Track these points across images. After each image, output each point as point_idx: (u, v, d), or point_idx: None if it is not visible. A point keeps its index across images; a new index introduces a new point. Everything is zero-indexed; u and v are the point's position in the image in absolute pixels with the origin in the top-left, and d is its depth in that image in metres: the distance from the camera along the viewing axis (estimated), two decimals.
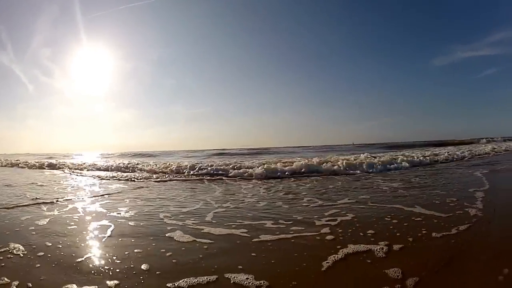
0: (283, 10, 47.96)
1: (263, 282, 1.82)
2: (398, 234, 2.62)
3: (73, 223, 3.39)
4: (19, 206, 4.38)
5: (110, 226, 3.23)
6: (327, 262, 2.07)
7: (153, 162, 12.16)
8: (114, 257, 2.34)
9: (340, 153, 17.86)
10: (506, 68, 45.59)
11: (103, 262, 2.26)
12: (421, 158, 9.56)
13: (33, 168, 14.35)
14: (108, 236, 2.90)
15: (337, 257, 2.16)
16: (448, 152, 11.07)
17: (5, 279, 1.94)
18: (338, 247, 2.35)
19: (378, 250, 2.23)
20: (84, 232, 3.04)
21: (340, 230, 2.83)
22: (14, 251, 2.48)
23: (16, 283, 1.88)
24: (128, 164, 11.65)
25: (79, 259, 2.31)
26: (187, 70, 61.03)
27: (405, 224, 2.93)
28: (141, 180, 7.67)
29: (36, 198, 5.04)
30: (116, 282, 1.93)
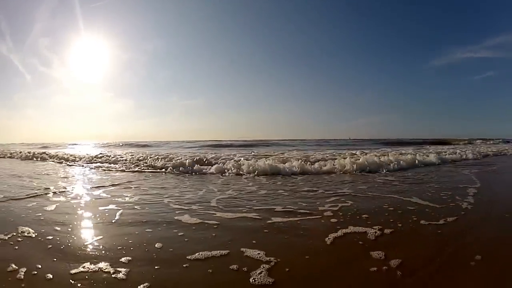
0: (277, 9, 48.02)
1: (273, 258, 2.02)
2: (391, 220, 2.86)
3: (80, 209, 3.52)
4: (29, 196, 4.45)
5: (118, 210, 3.38)
6: (328, 239, 2.37)
7: (154, 154, 12.22)
8: (125, 238, 2.48)
9: (336, 147, 18.15)
10: (504, 72, 46.36)
11: (114, 242, 2.39)
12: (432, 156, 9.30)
13: (27, 160, 14.05)
14: (117, 219, 3.04)
15: (337, 235, 2.46)
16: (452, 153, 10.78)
17: (13, 265, 1.95)
18: (338, 227, 2.64)
19: (371, 233, 2.48)
20: (93, 216, 3.17)
21: (341, 214, 3.12)
22: (25, 234, 2.57)
23: (24, 269, 1.90)
24: (126, 154, 11.72)
25: (90, 241, 2.43)
26: (180, 63, 61.24)
27: (399, 212, 3.16)
28: (141, 171, 7.75)
29: (44, 187, 5.08)
30: (129, 258, 2.06)
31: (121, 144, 30.69)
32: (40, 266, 1.94)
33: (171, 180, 5.98)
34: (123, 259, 2.04)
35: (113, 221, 2.98)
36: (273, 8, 48.45)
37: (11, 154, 16.43)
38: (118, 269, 1.90)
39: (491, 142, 27.17)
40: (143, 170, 7.78)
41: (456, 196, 3.85)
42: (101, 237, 2.52)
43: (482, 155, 11.18)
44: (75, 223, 2.93)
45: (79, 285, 1.73)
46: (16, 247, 2.29)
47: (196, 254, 2.11)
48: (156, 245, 2.29)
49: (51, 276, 1.81)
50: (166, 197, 4.10)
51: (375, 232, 2.47)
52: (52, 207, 3.56)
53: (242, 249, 2.19)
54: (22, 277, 1.81)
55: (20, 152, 16.39)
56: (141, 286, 1.67)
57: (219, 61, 61.60)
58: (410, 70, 52.74)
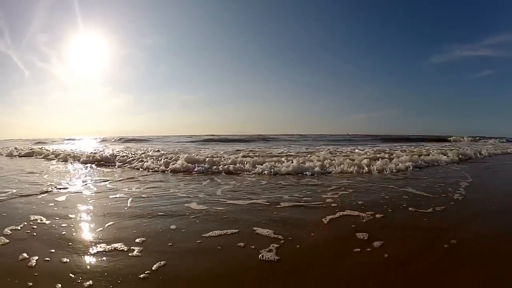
0: (277, 5, 47.91)
1: (280, 236, 2.30)
2: (385, 206, 3.17)
3: (91, 198, 3.73)
4: (41, 192, 4.65)
5: (128, 198, 3.60)
6: (325, 219, 2.74)
7: (155, 151, 12.20)
8: (138, 222, 2.70)
9: (334, 143, 18.39)
10: (503, 71, 46.63)
11: (128, 226, 2.60)
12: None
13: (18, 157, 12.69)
14: (129, 206, 3.27)
15: (334, 216, 2.82)
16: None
17: (25, 254, 2.00)
18: (336, 210, 2.98)
19: (363, 216, 2.82)
20: (105, 205, 3.38)
21: (339, 200, 3.47)
22: (38, 221, 2.73)
23: (35, 258, 1.95)
24: (126, 150, 11.66)
25: (105, 225, 2.62)
26: (180, 58, 61.31)
27: (393, 200, 3.45)
28: (140, 169, 7.57)
29: (50, 183, 5.23)
30: (143, 239, 2.26)
31: (116, 139, 30.52)
32: (53, 251, 2.05)
33: (170, 175, 6.09)
34: (137, 240, 2.24)
35: (126, 208, 3.21)
36: (273, 4, 48.41)
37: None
38: (132, 247, 2.11)
39: (498, 140, 26.82)
40: (144, 168, 7.73)
41: (449, 188, 4.13)
42: (114, 222, 2.71)
43: (493, 153, 10.69)
44: (88, 211, 3.12)
45: (95, 267, 1.87)
46: (34, 234, 2.41)
47: (211, 232, 2.38)
48: (171, 227, 2.55)
49: (66, 259, 1.93)
50: (171, 188, 4.32)
51: (367, 216, 2.79)
52: (63, 197, 3.74)
53: (254, 228, 2.49)
54: (34, 264, 1.88)
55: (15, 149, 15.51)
56: (158, 263, 1.88)
57: (218, 57, 61.73)
58: (410, 67, 52.93)
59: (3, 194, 3.93)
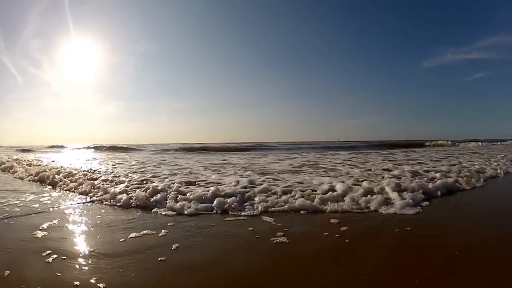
0: (268, 11, 49.43)
1: (286, 227, 2.77)
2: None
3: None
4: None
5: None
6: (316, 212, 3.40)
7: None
8: (163, 213, 3.33)
9: (326, 151, 18.86)
10: (495, 73, 48.70)
11: (152, 216, 3.20)
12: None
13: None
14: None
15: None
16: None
17: (47, 251, 2.19)
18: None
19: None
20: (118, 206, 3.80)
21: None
22: (67, 218, 3.19)
23: (54, 256, 2.12)
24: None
25: (131, 217, 3.15)
26: (171, 65, 62.34)
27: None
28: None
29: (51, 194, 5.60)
30: (167, 230, 2.74)
31: (112, 148, 30.13)
32: (77, 248, 2.31)
33: None
34: (164, 230, 2.72)
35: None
36: (264, 10, 49.90)
37: None
38: (159, 234, 2.60)
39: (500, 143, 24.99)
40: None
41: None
42: (138, 216, 3.24)
43: None
44: (112, 210, 3.55)
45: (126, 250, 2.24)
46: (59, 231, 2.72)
47: (226, 219, 3.07)
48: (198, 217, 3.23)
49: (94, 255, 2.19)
50: None
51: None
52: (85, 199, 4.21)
53: (263, 217, 3.12)
54: (51, 261, 2.06)
55: None
56: (175, 245, 2.31)
57: (209, 64, 63.37)
58: (402, 71, 54.92)
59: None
